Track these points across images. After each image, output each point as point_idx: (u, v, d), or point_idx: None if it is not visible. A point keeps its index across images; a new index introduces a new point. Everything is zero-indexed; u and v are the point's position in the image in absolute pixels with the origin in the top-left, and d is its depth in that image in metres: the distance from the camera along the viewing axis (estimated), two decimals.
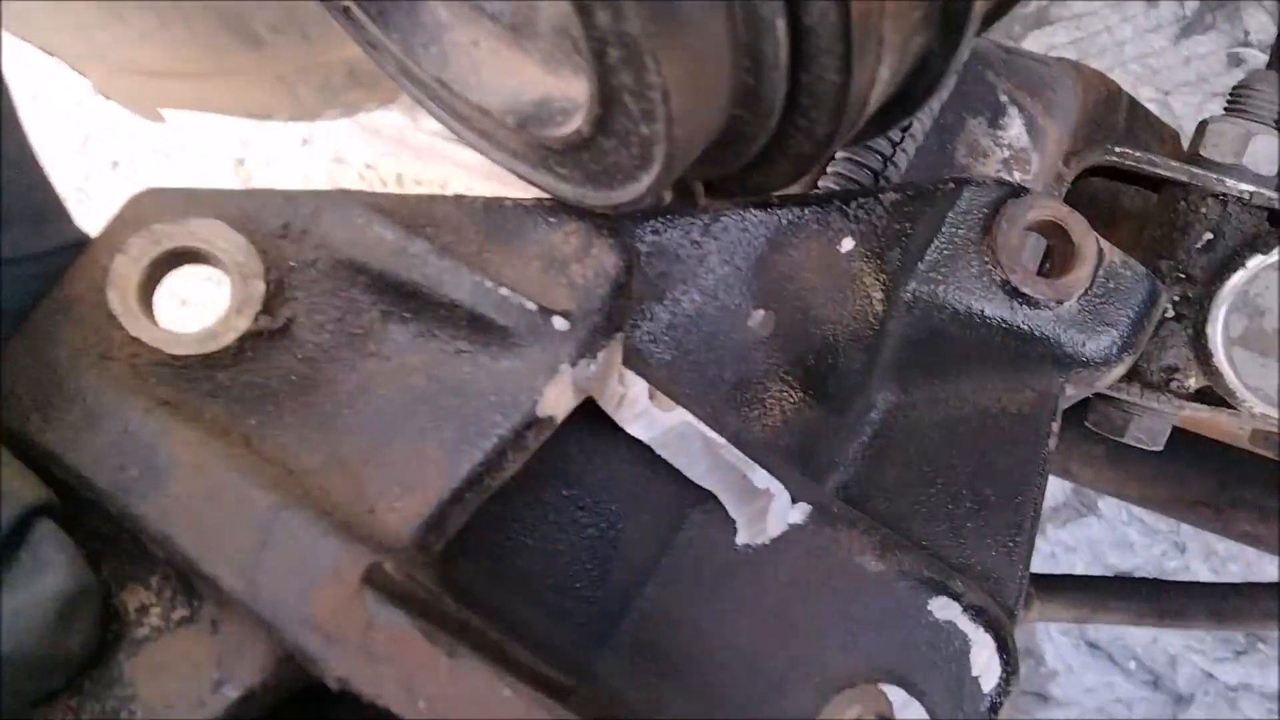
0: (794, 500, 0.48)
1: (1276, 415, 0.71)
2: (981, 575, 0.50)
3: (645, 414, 0.44)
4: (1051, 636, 1.83)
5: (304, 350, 0.42)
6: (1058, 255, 0.56)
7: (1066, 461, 1.08)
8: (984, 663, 0.47)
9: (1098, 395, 0.78)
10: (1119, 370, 0.57)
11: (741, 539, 0.48)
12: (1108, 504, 1.85)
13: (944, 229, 0.54)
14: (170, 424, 0.36)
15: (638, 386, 0.44)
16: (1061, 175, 0.77)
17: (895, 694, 0.46)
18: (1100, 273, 0.55)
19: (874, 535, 0.48)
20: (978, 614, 0.47)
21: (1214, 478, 1.03)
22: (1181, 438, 1.02)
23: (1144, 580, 0.87)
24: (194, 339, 0.41)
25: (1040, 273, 0.56)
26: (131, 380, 0.38)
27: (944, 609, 0.47)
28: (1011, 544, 0.52)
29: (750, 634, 0.46)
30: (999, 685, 0.47)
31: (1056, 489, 1.87)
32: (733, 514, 0.47)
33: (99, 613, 0.36)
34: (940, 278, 0.54)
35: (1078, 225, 0.55)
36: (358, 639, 0.31)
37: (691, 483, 0.47)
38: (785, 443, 0.51)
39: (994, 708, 0.47)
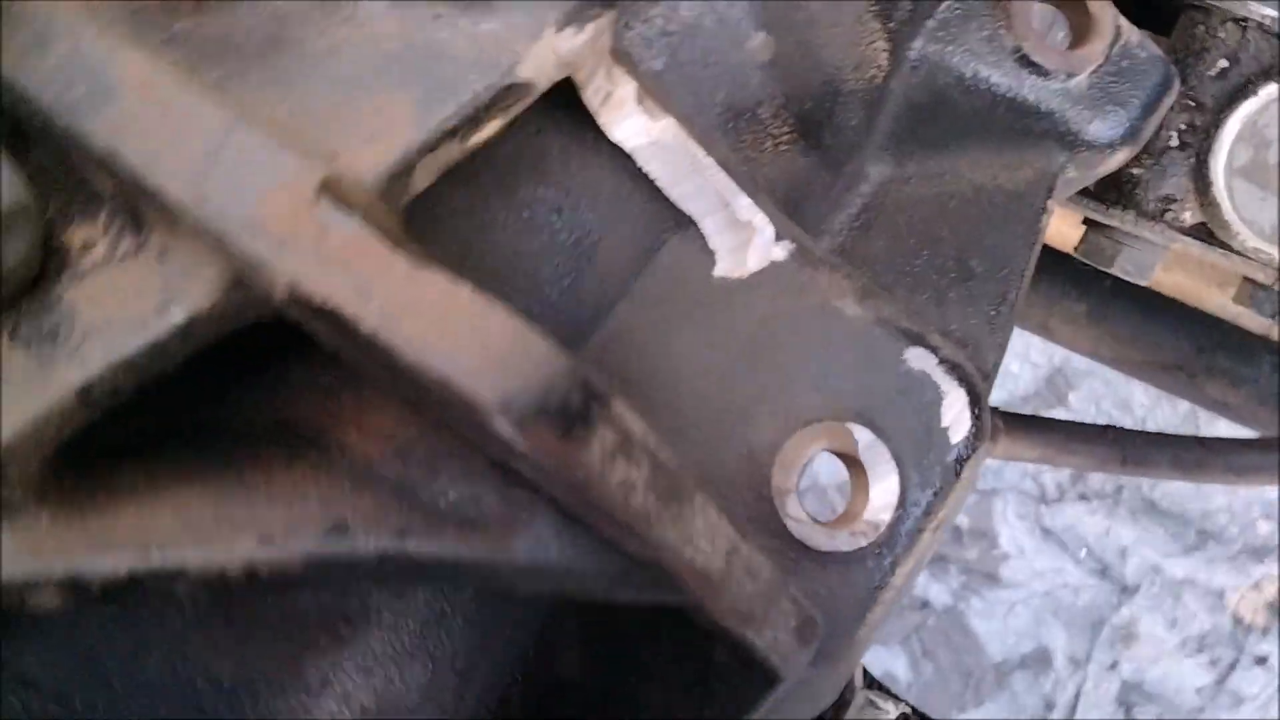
0: (777, 237, 0.46)
1: (1270, 250, 0.70)
2: (961, 340, 0.49)
3: (631, 117, 0.42)
4: (1008, 520, 1.86)
5: (272, 9, 0.39)
6: (1073, 28, 0.54)
7: (1047, 318, 1.08)
8: (954, 416, 0.46)
9: (1090, 223, 0.77)
10: (1121, 157, 0.55)
11: (719, 270, 0.46)
12: (1077, 396, 1.87)
13: None
14: (122, 45, 0.34)
15: (626, 86, 0.41)
16: None
17: (861, 434, 0.45)
18: (1115, 49, 0.53)
19: (855, 281, 0.46)
20: (952, 368, 0.46)
21: (1191, 343, 1.02)
22: (1162, 303, 1.01)
23: (1110, 427, 0.87)
24: None
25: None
26: (84, 11, 0.36)
27: (919, 359, 0.46)
28: (994, 312, 0.50)
29: (719, 366, 0.45)
30: (967, 440, 0.46)
31: (1030, 378, 1.88)
32: (712, 242, 0.46)
33: (39, 235, 0.34)
34: (949, 38, 0.52)
35: None
36: (310, 242, 0.30)
37: (672, 205, 0.45)
38: (774, 188, 0.49)
39: (959, 461, 0.46)
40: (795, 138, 0.50)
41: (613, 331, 0.44)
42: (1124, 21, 0.53)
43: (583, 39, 0.37)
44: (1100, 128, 0.53)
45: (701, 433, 0.45)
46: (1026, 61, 0.52)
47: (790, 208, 0.50)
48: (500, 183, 0.42)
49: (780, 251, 0.46)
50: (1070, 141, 0.53)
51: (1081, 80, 0.53)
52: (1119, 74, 0.53)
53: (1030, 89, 0.52)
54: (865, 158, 0.53)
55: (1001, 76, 0.52)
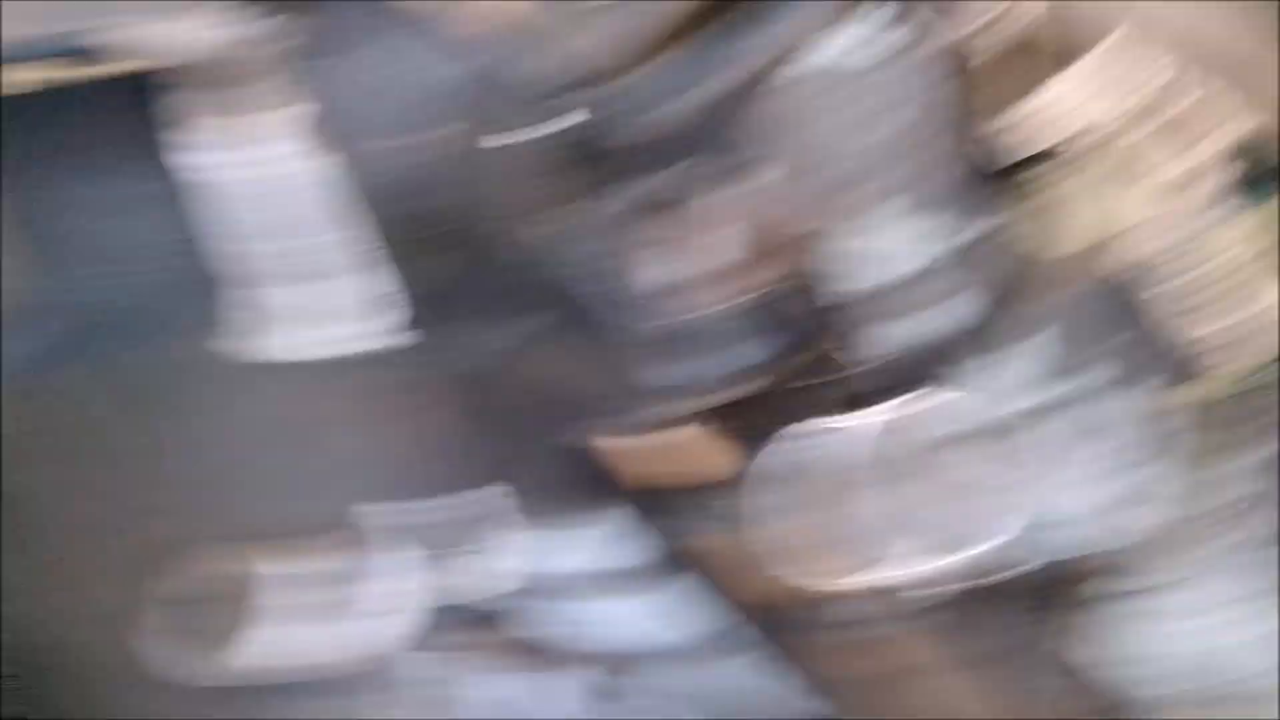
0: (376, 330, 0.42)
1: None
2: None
3: (208, 147, 0.37)
4: None
5: None
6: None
7: None
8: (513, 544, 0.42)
9: None
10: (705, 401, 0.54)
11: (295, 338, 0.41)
12: None
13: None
14: None
15: (220, 103, 0.37)
16: None
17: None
18: (758, 294, 0.53)
19: (449, 386, 0.43)
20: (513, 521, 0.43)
21: None
22: None
23: None
24: None
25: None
26: None
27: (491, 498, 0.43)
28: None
29: (269, 439, 0.40)
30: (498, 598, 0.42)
31: None
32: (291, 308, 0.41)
33: None
34: (599, 241, 0.51)
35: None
36: None
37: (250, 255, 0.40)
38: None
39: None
40: None
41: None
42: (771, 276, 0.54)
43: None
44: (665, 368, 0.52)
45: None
46: (659, 281, 0.52)
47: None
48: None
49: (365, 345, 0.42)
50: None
51: (705, 313, 0.53)
52: (737, 324, 0.54)
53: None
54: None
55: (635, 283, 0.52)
